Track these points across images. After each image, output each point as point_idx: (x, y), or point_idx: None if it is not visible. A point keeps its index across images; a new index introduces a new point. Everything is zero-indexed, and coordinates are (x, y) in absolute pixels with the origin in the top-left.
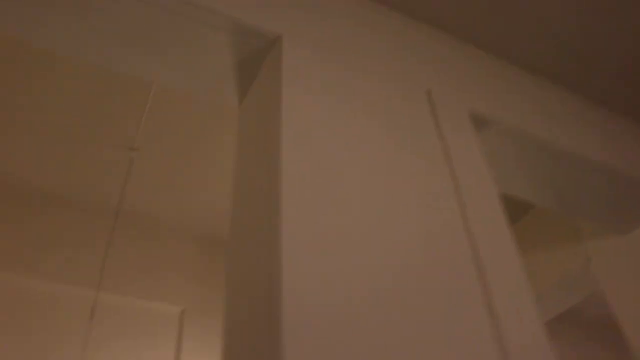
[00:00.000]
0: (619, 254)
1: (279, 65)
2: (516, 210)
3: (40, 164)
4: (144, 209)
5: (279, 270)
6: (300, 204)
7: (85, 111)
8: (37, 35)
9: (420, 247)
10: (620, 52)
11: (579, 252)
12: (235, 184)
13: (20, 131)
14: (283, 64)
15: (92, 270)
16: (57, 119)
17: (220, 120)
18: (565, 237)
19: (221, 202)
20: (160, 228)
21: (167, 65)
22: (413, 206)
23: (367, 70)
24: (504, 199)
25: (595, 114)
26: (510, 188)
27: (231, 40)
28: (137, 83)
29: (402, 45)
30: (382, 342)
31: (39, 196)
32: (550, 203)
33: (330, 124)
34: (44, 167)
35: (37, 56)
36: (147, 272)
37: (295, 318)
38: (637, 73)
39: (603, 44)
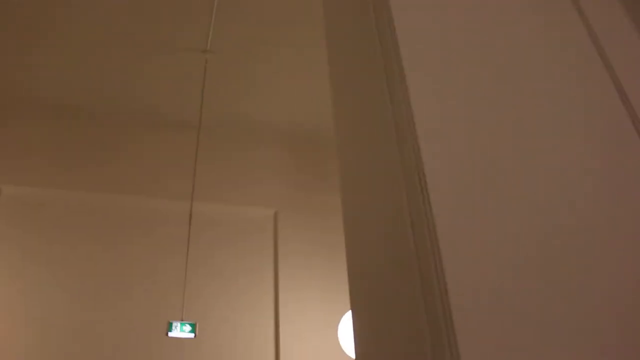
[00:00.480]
0: None
1: None
2: None
3: (118, 83)
4: (227, 115)
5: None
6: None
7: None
8: None
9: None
10: None
11: None
12: (336, 86)
13: (90, 50)
14: None
15: (186, 183)
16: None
17: (300, 15)
18: None
19: (307, 101)
20: (245, 133)
21: None
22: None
23: None
24: None
25: None
26: None
27: None
28: None
29: None
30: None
31: (126, 118)
32: None
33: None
34: (126, 87)
35: None
36: (237, 178)
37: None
38: None
39: None
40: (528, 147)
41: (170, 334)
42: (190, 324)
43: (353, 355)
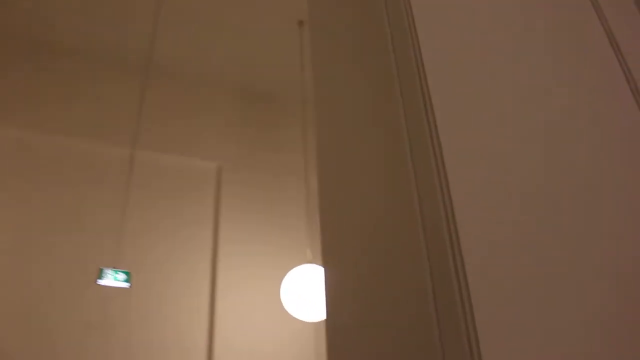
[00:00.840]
0: None
1: None
2: None
3: (63, 19)
4: (176, 63)
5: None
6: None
7: None
8: None
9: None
10: None
11: None
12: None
13: None
14: None
15: (129, 129)
16: None
17: None
18: None
19: (259, 55)
20: (194, 82)
21: None
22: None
23: None
24: None
25: None
26: None
27: None
28: None
29: None
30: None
31: (65, 52)
32: None
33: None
34: (68, 22)
35: None
36: (182, 128)
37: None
38: None
39: None
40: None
41: (101, 282)
42: (124, 272)
43: (295, 314)
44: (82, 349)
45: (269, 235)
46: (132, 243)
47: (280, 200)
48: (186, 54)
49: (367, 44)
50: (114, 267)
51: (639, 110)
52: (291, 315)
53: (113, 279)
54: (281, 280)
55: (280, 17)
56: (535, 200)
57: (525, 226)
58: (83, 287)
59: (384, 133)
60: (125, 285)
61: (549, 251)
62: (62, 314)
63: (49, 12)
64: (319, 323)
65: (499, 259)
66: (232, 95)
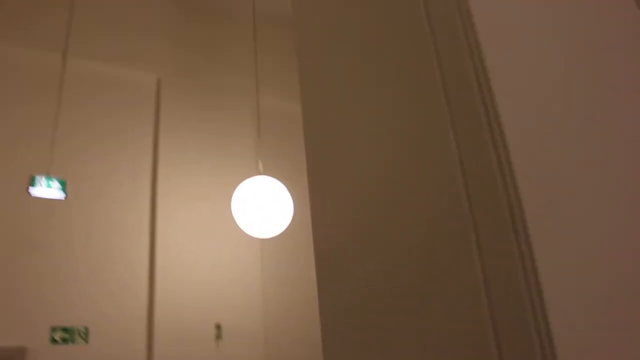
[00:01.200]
0: None
1: None
2: None
3: None
4: None
5: None
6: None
7: None
8: None
9: None
10: None
11: None
12: None
13: None
14: None
15: (60, 32)
16: None
17: None
18: None
19: None
20: None
21: None
22: None
23: None
24: None
25: None
26: None
27: None
28: None
29: None
30: None
31: None
32: None
33: None
34: None
35: None
36: (120, 36)
37: None
38: None
39: None
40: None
41: (34, 191)
42: (59, 180)
43: (247, 229)
44: (20, 266)
45: (212, 150)
46: (69, 152)
47: (226, 118)
48: None
49: None
50: (48, 174)
51: None
52: (236, 232)
53: (46, 187)
54: (225, 197)
55: None
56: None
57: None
58: (16, 198)
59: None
60: (60, 195)
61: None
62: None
63: None
64: (264, 240)
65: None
66: (177, 5)
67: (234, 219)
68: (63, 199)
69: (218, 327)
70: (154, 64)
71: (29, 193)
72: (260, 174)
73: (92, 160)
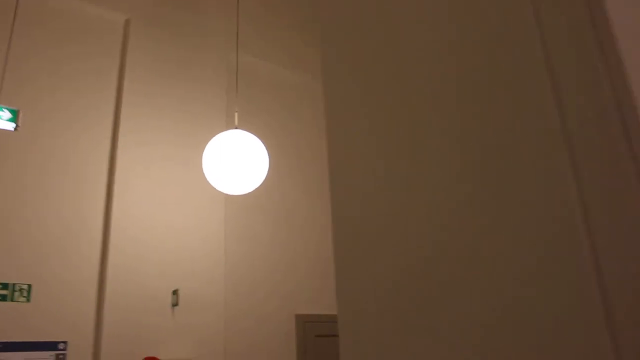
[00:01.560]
0: None
1: None
2: None
3: None
4: None
5: None
6: None
7: None
8: None
9: None
10: None
11: None
12: None
13: None
14: None
15: None
16: None
17: None
18: None
19: None
20: None
21: None
22: None
23: None
24: None
25: None
26: None
27: None
28: None
29: None
30: None
31: None
32: None
33: None
34: None
35: None
36: None
37: None
38: None
39: None
40: None
41: None
42: (10, 110)
43: (217, 185)
44: None
45: (183, 101)
46: (21, 81)
47: (189, 62)
48: None
49: None
50: None
51: None
52: (201, 191)
53: None
54: (193, 153)
55: None
56: None
57: None
58: None
59: None
60: (11, 125)
61: None
62: None
63: None
64: (228, 201)
65: None
66: None
67: (198, 177)
68: (13, 130)
69: (175, 292)
70: (122, 3)
71: None
72: (235, 127)
73: (50, 90)
